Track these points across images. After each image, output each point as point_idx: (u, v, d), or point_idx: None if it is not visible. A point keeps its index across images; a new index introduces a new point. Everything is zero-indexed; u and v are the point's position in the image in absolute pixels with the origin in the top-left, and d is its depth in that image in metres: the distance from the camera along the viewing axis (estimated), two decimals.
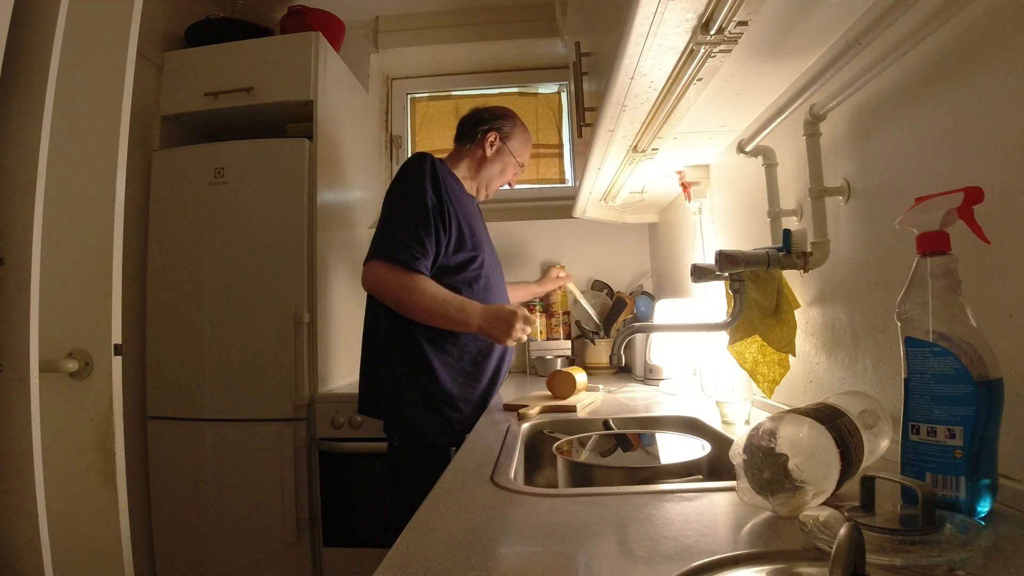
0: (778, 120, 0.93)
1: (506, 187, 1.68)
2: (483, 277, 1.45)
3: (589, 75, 1.41)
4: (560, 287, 2.04)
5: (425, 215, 1.35)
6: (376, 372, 1.45)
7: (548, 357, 2.17)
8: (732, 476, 0.60)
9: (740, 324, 1.02)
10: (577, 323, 2.30)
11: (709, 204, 1.50)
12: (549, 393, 1.41)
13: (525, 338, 1.35)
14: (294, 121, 2.01)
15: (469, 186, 1.60)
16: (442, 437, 1.36)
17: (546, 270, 2.42)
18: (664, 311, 1.76)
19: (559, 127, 2.70)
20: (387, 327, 1.40)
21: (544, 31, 2.44)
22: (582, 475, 0.83)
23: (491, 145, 1.57)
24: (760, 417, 0.75)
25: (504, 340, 1.32)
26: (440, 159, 1.53)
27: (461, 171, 1.58)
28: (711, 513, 0.59)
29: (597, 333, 2.17)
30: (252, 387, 1.82)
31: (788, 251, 0.94)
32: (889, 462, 0.63)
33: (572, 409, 1.27)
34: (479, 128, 1.58)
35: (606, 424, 1.17)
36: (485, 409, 1.37)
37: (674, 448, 0.92)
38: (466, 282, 1.42)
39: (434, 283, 1.33)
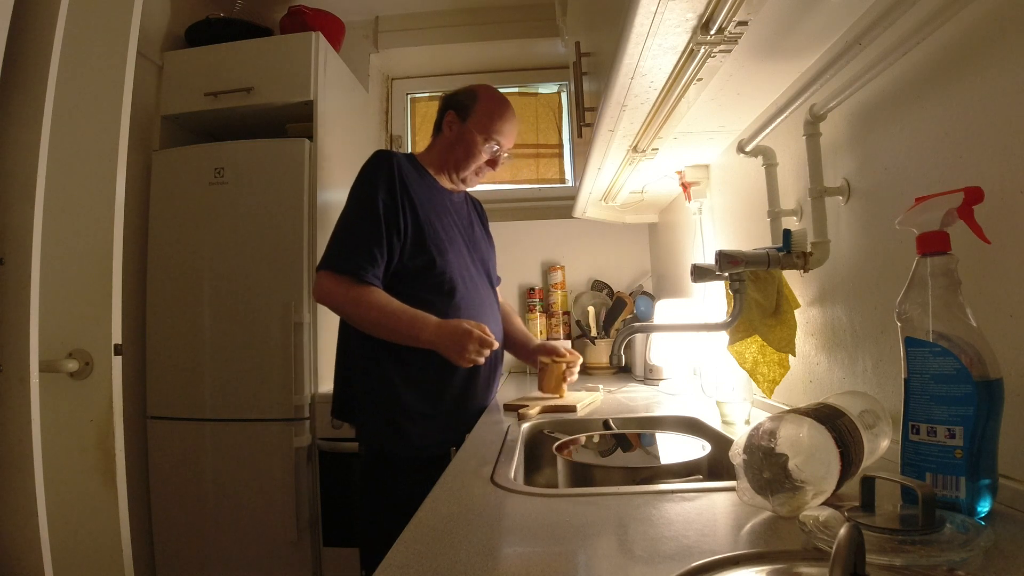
0: (778, 120, 0.93)
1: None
2: (448, 283, 1.30)
3: (589, 75, 1.42)
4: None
5: (375, 220, 1.25)
6: (346, 378, 1.37)
7: None
8: (732, 476, 0.60)
9: (740, 324, 1.02)
10: (578, 323, 2.30)
11: (709, 204, 1.50)
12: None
13: (483, 360, 1.23)
14: (294, 121, 2.01)
15: (445, 180, 1.45)
16: (400, 450, 1.26)
17: (545, 270, 2.42)
18: (664, 311, 1.76)
19: (559, 127, 2.70)
20: (356, 334, 1.31)
21: (544, 31, 2.44)
22: (582, 475, 0.83)
23: (449, 127, 1.42)
24: (760, 417, 0.75)
25: (457, 360, 1.20)
26: (412, 154, 1.43)
27: (434, 165, 1.44)
28: (711, 513, 0.59)
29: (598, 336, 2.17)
30: (252, 387, 1.82)
31: (788, 251, 0.94)
32: (889, 462, 0.63)
33: (572, 409, 1.27)
34: (441, 111, 1.45)
35: (606, 424, 1.17)
36: (462, 423, 1.24)
37: (674, 448, 0.92)
38: (430, 290, 1.29)
39: (384, 295, 1.24)
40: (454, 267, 1.33)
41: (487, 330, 1.21)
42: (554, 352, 1.43)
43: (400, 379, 1.28)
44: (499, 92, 1.46)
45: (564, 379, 1.39)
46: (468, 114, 1.41)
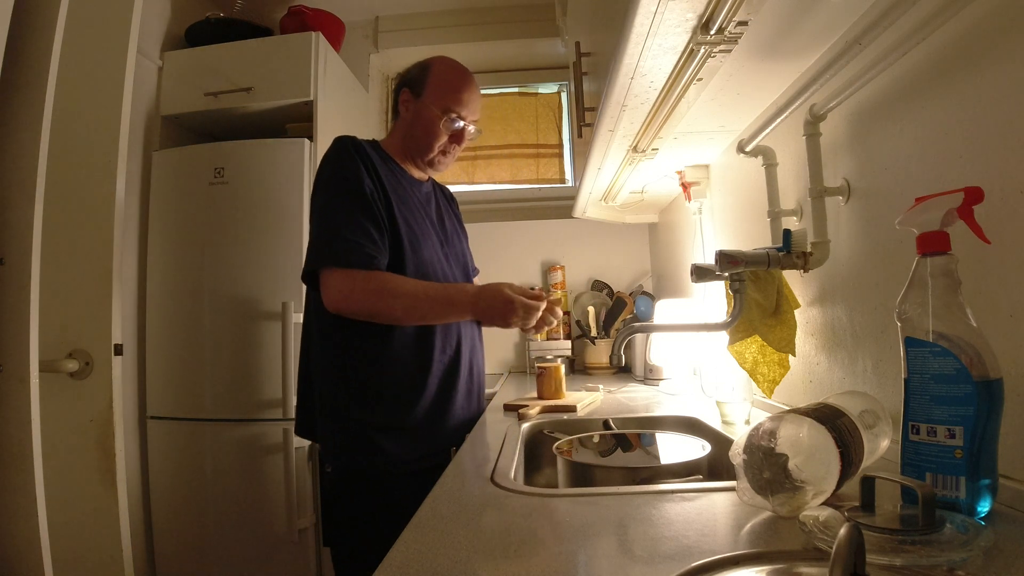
0: (778, 120, 0.93)
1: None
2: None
3: (589, 75, 1.42)
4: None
5: (368, 205, 1.12)
6: (310, 392, 1.24)
7: (548, 357, 2.17)
8: (732, 476, 0.60)
9: (740, 324, 1.02)
10: (578, 323, 2.30)
11: (709, 204, 1.50)
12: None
13: (532, 323, 1.15)
14: (294, 121, 2.00)
15: (412, 167, 1.31)
16: (371, 468, 1.14)
17: (545, 270, 2.43)
18: (664, 311, 1.76)
19: (559, 127, 2.70)
20: (320, 344, 1.19)
21: (544, 31, 2.44)
22: (582, 475, 0.83)
23: (406, 107, 1.27)
24: (760, 417, 0.75)
25: (504, 327, 1.16)
26: (376, 141, 1.29)
27: (397, 151, 1.30)
28: (711, 513, 0.59)
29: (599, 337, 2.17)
30: (252, 387, 1.82)
31: (788, 251, 0.94)
32: (889, 462, 0.63)
33: (572, 409, 1.27)
34: (396, 91, 1.31)
35: (606, 424, 1.17)
36: (441, 437, 1.19)
37: (674, 448, 0.92)
38: None
39: (403, 277, 1.12)
40: (428, 265, 1.21)
41: (529, 292, 1.13)
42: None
43: (368, 390, 1.15)
44: (455, 61, 1.31)
45: (560, 382, 1.39)
46: (422, 89, 1.25)
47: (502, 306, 1.11)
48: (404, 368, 1.16)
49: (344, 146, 1.19)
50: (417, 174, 1.33)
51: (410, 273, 1.17)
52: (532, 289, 1.16)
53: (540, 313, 1.13)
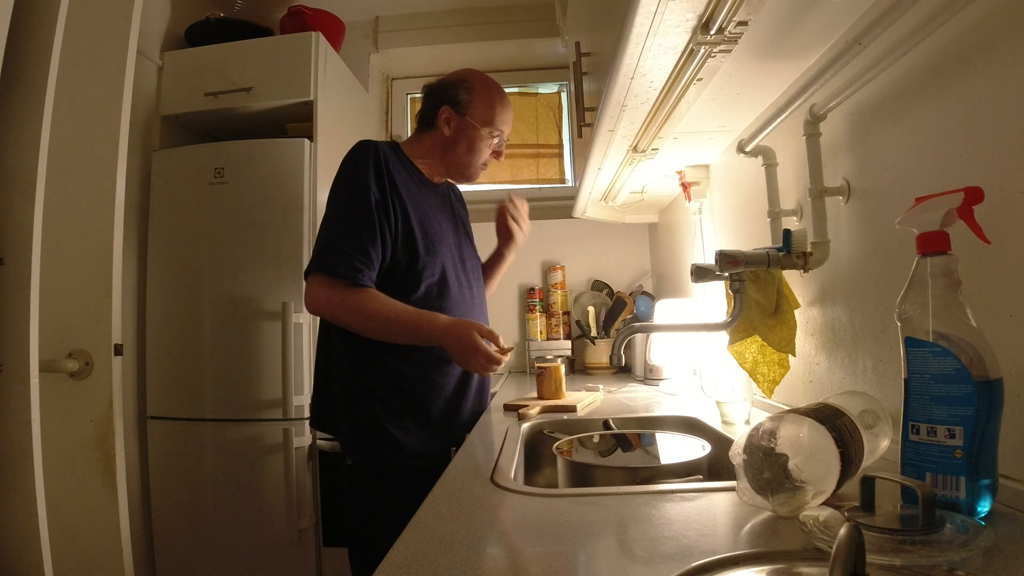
0: (778, 120, 0.93)
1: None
2: (439, 284, 1.24)
3: (589, 75, 1.42)
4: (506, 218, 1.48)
5: (368, 216, 1.16)
6: (325, 386, 1.27)
7: (548, 357, 2.17)
8: (732, 476, 0.60)
9: (740, 324, 1.02)
10: (578, 323, 2.30)
11: (709, 204, 1.50)
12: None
13: (488, 374, 1.19)
14: (294, 121, 2.01)
15: (432, 172, 1.36)
16: (388, 461, 1.18)
17: (545, 270, 2.43)
18: (664, 311, 1.76)
19: (559, 127, 2.70)
20: (339, 340, 1.23)
21: (544, 31, 2.44)
22: (582, 475, 0.83)
23: (447, 123, 1.31)
24: (760, 417, 0.75)
25: (462, 366, 1.16)
26: (396, 143, 1.33)
27: (421, 157, 1.34)
28: (711, 513, 0.59)
29: None
30: (252, 387, 1.82)
31: (788, 251, 0.94)
32: (889, 462, 0.63)
33: (572, 409, 1.27)
34: (432, 106, 1.34)
35: (606, 424, 1.17)
36: (454, 431, 1.22)
37: (674, 448, 0.92)
38: (420, 289, 1.21)
39: (381, 299, 1.15)
40: (445, 266, 1.26)
41: (499, 340, 1.13)
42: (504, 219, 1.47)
43: (385, 388, 1.19)
44: (489, 76, 1.38)
45: (560, 380, 1.39)
46: (465, 108, 1.31)
47: (469, 349, 1.11)
48: (425, 363, 1.20)
49: (361, 152, 1.22)
50: (436, 178, 1.37)
51: (426, 275, 1.22)
52: (500, 345, 1.14)
53: (497, 368, 1.14)
